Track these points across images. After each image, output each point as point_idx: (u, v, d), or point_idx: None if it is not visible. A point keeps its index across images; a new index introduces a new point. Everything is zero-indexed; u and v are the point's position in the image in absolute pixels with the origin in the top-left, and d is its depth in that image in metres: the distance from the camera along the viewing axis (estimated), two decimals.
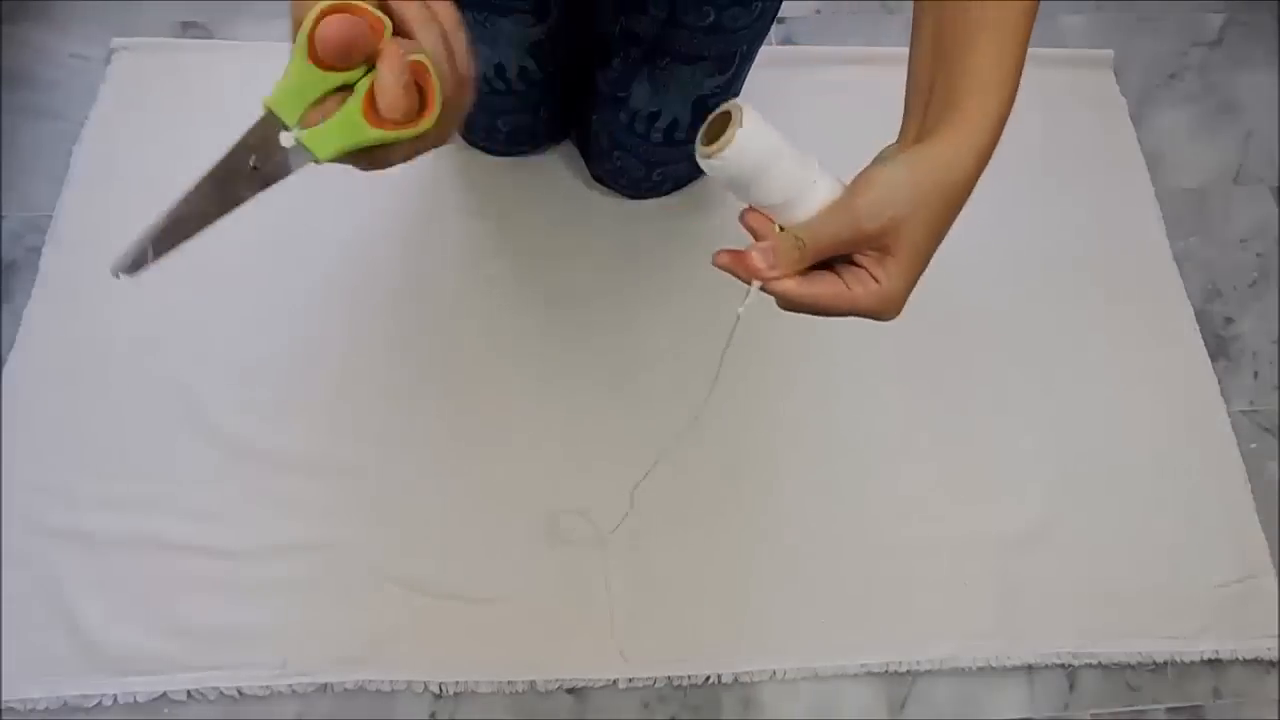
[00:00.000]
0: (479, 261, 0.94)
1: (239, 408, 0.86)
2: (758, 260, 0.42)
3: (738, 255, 0.43)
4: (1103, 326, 0.96)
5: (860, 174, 0.42)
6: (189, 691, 0.76)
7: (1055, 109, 1.09)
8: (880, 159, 0.44)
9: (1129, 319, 0.97)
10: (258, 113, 0.36)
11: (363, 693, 0.77)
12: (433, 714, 0.78)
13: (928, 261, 0.43)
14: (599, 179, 0.98)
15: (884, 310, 0.43)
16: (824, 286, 0.42)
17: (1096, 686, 0.82)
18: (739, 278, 0.43)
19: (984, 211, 1.01)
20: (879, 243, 0.41)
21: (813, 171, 0.42)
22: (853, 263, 0.43)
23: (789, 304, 0.43)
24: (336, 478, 0.84)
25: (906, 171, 0.41)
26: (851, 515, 0.86)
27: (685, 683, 0.79)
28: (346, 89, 0.36)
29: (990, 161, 0.42)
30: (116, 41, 1.04)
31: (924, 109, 0.43)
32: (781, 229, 0.43)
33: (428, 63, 0.35)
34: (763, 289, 0.43)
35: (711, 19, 0.74)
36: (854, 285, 0.42)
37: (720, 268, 0.43)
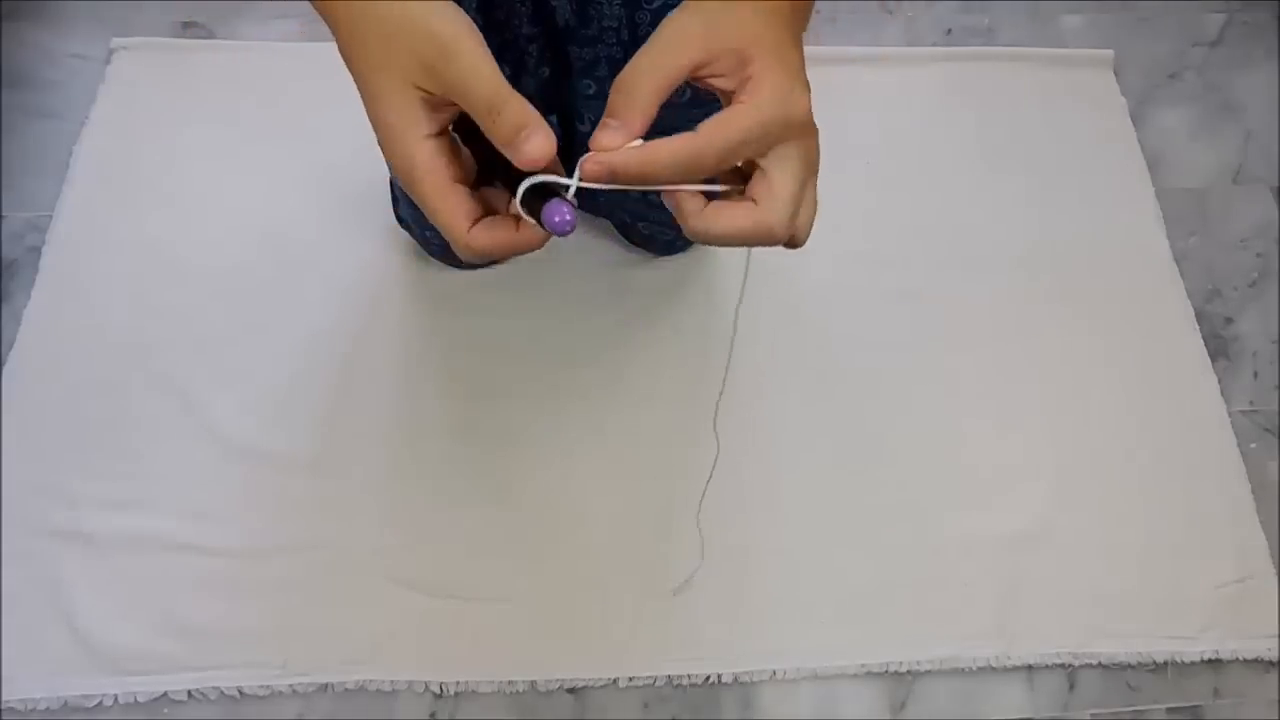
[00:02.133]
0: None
1: (239, 408, 0.86)
2: (605, 137, 0.36)
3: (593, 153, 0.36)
4: (1102, 326, 0.96)
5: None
6: (189, 691, 0.76)
7: (1055, 109, 1.08)
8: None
9: (1129, 319, 0.97)
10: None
11: (363, 693, 0.77)
12: (433, 714, 0.78)
13: (798, 46, 0.37)
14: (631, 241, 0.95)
15: (786, 112, 0.36)
16: (705, 132, 0.35)
17: (1096, 686, 0.82)
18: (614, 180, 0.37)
19: (984, 210, 1.02)
20: (720, 52, 0.36)
21: None
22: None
23: (682, 169, 0.36)
24: (336, 478, 0.84)
25: None
26: (851, 515, 0.86)
27: (685, 683, 0.79)
28: None
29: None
30: (116, 41, 1.04)
31: None
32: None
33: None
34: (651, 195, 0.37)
35: (687, 96, 0.69)
36: (728, 113, 0.36)
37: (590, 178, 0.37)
